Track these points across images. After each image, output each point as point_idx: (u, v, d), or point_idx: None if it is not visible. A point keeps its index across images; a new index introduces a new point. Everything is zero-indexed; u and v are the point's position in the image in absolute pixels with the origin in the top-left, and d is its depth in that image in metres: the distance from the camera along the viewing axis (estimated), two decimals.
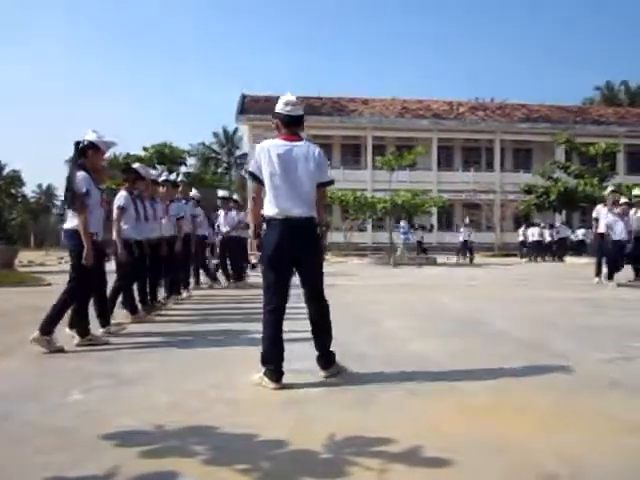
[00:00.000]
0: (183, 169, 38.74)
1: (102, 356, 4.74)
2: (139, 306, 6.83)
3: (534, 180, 33.40)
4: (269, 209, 3.88)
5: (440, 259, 24.18)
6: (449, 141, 39.47)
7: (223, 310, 7.69)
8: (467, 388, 3.72)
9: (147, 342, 5.33)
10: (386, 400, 3.48)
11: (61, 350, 4.83)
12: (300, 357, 4.48)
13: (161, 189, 8.18)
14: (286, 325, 3.93)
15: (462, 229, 25.12)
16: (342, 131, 37.67)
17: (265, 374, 3.82)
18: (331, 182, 4.05)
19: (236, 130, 57.69)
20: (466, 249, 24.35)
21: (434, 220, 36.65)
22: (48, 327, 4.85)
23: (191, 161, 51.68)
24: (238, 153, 60.04)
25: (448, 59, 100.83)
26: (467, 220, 26.41)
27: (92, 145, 5.14)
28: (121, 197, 6.50)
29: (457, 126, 38.33)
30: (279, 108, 3.99)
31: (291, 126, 3.98)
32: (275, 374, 3.79)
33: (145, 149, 36.96)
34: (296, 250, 3.86)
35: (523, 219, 38.09)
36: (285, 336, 3.91)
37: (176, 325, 6.36)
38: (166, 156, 35.90)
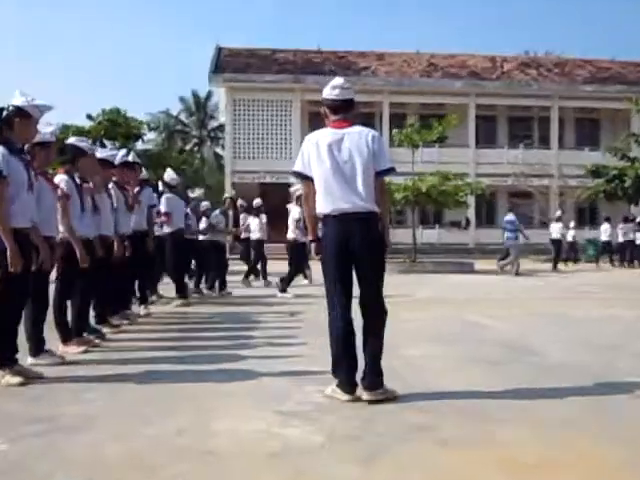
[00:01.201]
0: (140, 146, 38.87)
1: (33, 394, 4.77)
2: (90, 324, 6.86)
3: (603, 160, 33.29)
4: (323, 206, 4.49)
5: (483, 265, 24.22)
6: (491, 109, 39.53)
7: (193, 333, 7.77)
8: (511, 437, 3.78)
9: (93, 375, 5.37)
10: (406, 452, 3.51)
11: None
12: (294, 390, 4.53)
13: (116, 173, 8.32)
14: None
15: (552, 225, 24.79)
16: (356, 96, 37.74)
17: (337, 385, 4.48)
18: (392, 169, 4.55)
19: (210, 95, 57.70)
20: (570, 251, 24.48)
21: (471, 213, 36.70)
22: None
23: (150, 135, 51.76)
24: (213, 125, 60.06)
25: (488, 1, 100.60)
26: (559, 213, 25.98)
27: (20, 111, 5.06)
28: (61, 181, 6.44)
29: (501, 89, 38.38)
30: (326, 93, 4.63)
31: (340, 111, 4.57)
32: (347, 386, 4.43)
33: (90, 117, 36.79)
34: (354, 248, 4.41)
35: (588, 211, 38.08)
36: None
37: (130, 353, 6.41)
38: (119, 126, 35.79)
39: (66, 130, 31.84)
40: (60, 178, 6.47)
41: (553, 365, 5.83)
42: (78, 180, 6.71)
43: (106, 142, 32.77)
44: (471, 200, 30.82)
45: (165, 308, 10.22)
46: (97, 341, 6.86)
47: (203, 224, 13.12)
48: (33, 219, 5.22)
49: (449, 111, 34.19)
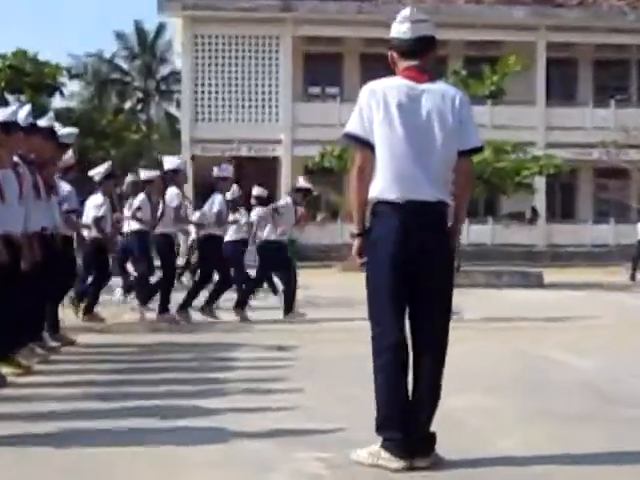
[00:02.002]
0: (58, 102, 38.86)
1: None
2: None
3: None
4: (383, 189, 4.58)
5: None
6: (568, 49, 39.53)
7: (137, 374, 7.76)
8: None
9: None
10: None
11: None
12: (282, 458, 4.52)
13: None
14: None
15: None
16: (362, 30, 37.77)
17: (384, 447, 4.51)
18: (480, 148, 4.85)
19: (160, 29, 57.78)
20: None
21: (540, 202, 36.68)
22: None
23: (73, 86, 51.75)
24: (164, 72, 60.13)
25: None
26: None
27: None
28: None
29: (584, 20, 38.37)
30: (395, 31, 4.76)
31: (414, 55, 4.69)
32: (400, 447, 4.49)
33: None
34: (420, 254, 4.52)
35: None
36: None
37: (44, 404, 6.36)
38: (27, 75, 35.78)
39: None
40: None
41: None
42: None
43: (8, 97, 32.68)
44: (540, 182, 30.86)
45: (96, 337, 10.20)
46: None
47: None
48: None
49: (508, 53, 34.21)
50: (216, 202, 12.99)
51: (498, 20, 37.60)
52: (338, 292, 14.37)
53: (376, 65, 38.42)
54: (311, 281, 16.02)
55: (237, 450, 5.00)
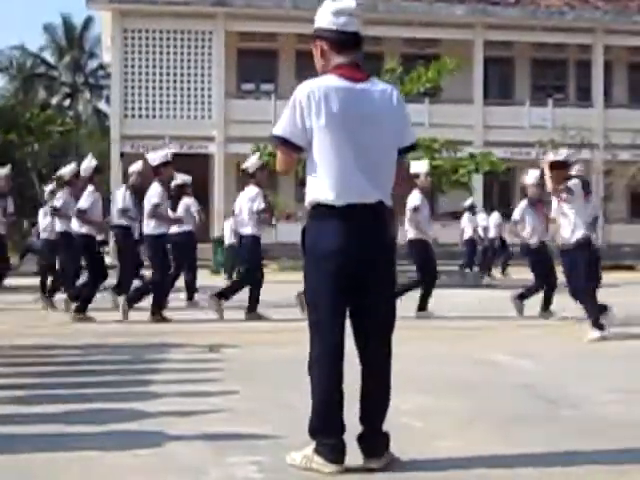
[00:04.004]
0: None
1: None
2: None
3: None
4: (322, 191, 4.56)
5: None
6: (506, 48, 40.06)
7: (59, 377, 7.72)
8: None
9: None
10: None
11: None
12: (212, 462, 4.50)
13: None
14: None
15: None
16: (297, 26, 37.78)
17: (317, 451, 4.54)
18: (414, 146, 4.89)
19: (88, 22, 57.29)
20: None
21: (477, 200, 36.95)
22: None
23: None
24: (92, 66, 59.63)
25: None
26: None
27: None
28: None
29: (522, 18, 38.90)
30: (325, 21, 4.65)
31: (348, 50, 4.64)
32: (334, 451, 4.52)
33: None
34: (362, 256, 4.54)
35: None
36: None
37: None
38: None
39: None
40: None
41: (603, 422, 5.89)
42: None
43: None
44: (477, 181, 31.14)
45: (28, 340, 10.09)
46: None
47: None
48: None
49: (445, 50, 34.60)
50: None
51: (436, 18, 37.96)
52: (274, 292, 14.33)
53: (312, 62, 38.52)
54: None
55: (169, 454, 4.97)
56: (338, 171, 4.53)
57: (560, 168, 10.65)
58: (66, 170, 14.36)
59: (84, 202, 12.69)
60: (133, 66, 36.49)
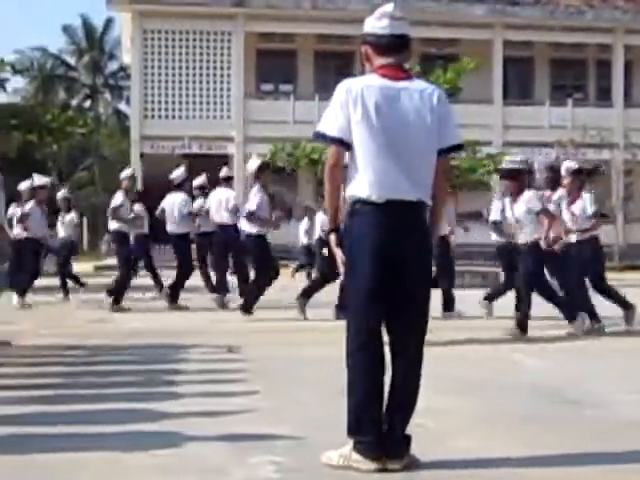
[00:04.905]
0: (1, 97, 38.46)
1: None
2: None
3: None
4: (359, 187, 4.63)
5: None
6: (526, 48, 39.86)
7: (79, 377, 7.74)
8: None
9: None
10: None
11: None
12: (233, 463, 4.51)
13: None
14: None
15: None
16: (316, 26, 37.82)
17: (355, 449, 4.56)
18: (460, 146, 4.95)
19: (109, 23, 57.41)
20: None
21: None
22: None
23: (17, 82, 51.25)
24: (112, 68, 59.79)
25: None
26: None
27: None
28: None
29: (541, 18, 38.74)
30: (369, 26, 4.80)
31: (391, 53, 4.74)
32: (373, 448, 4.54)
33: None
34: (396, 253, 4.58)
35: None
36: None
37: None
38: None
39: None
40: None
41: (619, 422, 5.88)
42: None
43: None
44: (496, 181, 30.94)
45: (41, 340, 10.13)
46: None
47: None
48: None
49: (464, 51, 34.50)
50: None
51: (455, 17, 37.78)
52: (292, 292, 14.32)
53: (330, 62, 38.80)
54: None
55: (189, 455, 4.99)
56: (376, 167, 4.60)
57: (512, 178, 10.53)
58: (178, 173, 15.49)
59: (252, 203, 12.60)
60: (153, 67, 36.52)
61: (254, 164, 13.01)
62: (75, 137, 39.92)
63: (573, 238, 11.00)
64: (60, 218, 17.43)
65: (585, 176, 11.20)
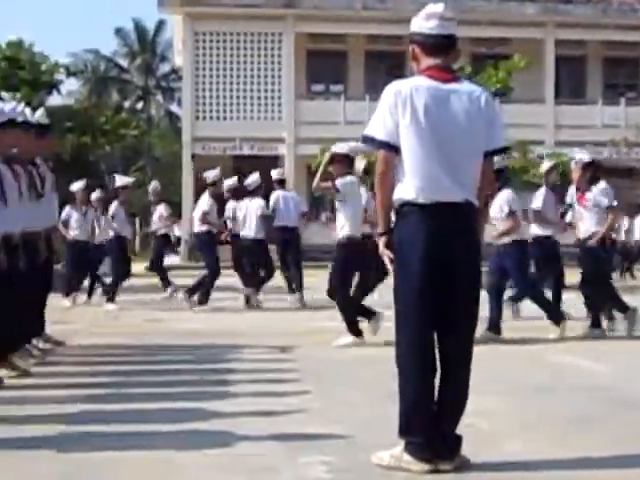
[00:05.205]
0: (55, 100, 38.80)
1: None
2: None
3: None
4: (406, 190, 4.63)
5: None
6: (578, 46, 39.50)
7: (135, 377, 7.81)
8: None
9: None
10: None
11: None
12: (284, 462, 4.52)
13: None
14: None
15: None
16: (366, 26, 37.76)
17: (407, 450, 4.55)
18: (507, 149, 5.06)
19: (160, 25, 57.80)
20: None
21: None
22: None
23: (71, 85, 51.79)
24: (164, 70, 60.19)
25: None
26: None
27: None
28: None
29: (594, 17, 38.38)
30: (418, 26, 4.78)
31: (439, 53, 4.73)
32: (424, 449, 4.52)
33: None
34: (445, 254, 4.59)
35: None
36: None
37: (41, 407, 6.40)
38: (22, 69, 35.57)
39: None
40: None
41: None
42: None
43: (4, 95, 32.56)
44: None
45: (92, 339, 10.24)
46: None
47: None
48: None
49: (516, 50, 34.18)
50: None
51: (506, 16, 37.58)
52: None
53: (380, 62, 38.74)
54: (314, 281, 15.99)
55: (241, 454, 5.02)
56: (423, 170, 4.60)
57: (341, 162, 10.09)
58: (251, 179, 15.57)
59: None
60: (204, 68, 36.72)
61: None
62: (128, 139, 40.13)
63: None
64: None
65: (597, 170, 10.88)
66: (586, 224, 10.58)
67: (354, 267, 10.08)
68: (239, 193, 15.85)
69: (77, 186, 16.09)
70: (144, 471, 4.69)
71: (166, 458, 4.93)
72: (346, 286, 9.95)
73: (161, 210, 16.92)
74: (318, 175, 10.22)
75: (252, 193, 15.25)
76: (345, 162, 9.98)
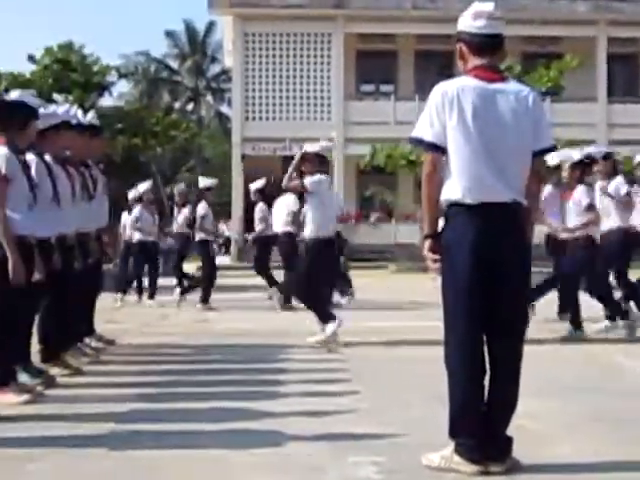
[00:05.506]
0: (106, 101, 39.20)
1: None
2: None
3: None
4: (453, 190, 4.64)
5: None
6: (631, 44, 39.08)
7: (184, 376, 7.86)
8: None
9: (37, 437, 5.42)
10: None
11: None
12: (332, 462, 4.53)
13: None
14: None
15: None
16: (416, 26, 37.65)
17: (457, 451, 4.55)
18: (553, 148, 4.97)
19: (211, 27, 58.10)
20: None
21: None
22: None
23: (122, 87, 52.23)
24: (214, 71, 60.47)
25: None
26: None
27: None
28: None
29: None
30: (465, 25, 4.77)
31: (486, 53, 4.73)
32: (474, 451, 4.51)
33: (33, 59, 36.78)
34: (493, 254, 4.58)
35: None
36: None
37: (92, 405, 6.48)
38: (73, 71, 35.85)
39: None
40: None
41: None
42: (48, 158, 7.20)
43: (57, 97, 32.80)
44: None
45: (141, 338, 10.32)
46: (42, 388, 6.95)
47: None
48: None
49: (567, 48, 33.95)
50: None
51: (557, 15, 37.26)
52: (390, 294, 14.35)
53: (430, 62, 38.61)
54: (363, 282, 16.04)
55: (288, 453, 5.04)
56: (470, 170, 4.59)
57: (311, 160, 10.20)
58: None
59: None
60: (254, 69, 36.84)
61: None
62: (178, 140, 40.41)
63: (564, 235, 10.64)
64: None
65: (586, 168, 10.72)
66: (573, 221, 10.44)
67: (321, 266, 10.15)
68: (265, 195, 16.07)
69: (144, 187, 16.25)
70: (193, 470, 4.73)
71: (215, 457, 4.96)
72: (311, 285, 10.05)
73: (186, 212, 16.85)
74: (289, 173, 10.33)
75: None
76: (315, 161, 10.16)
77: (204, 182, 16.03)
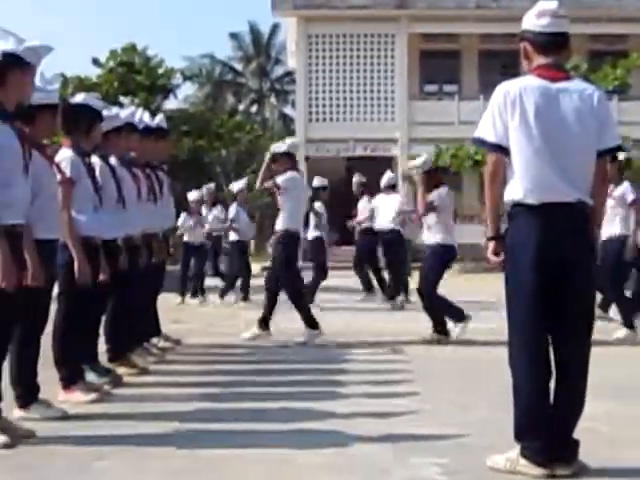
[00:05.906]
0: (171, 104, 39.52)
1: (19, 462, 4.90)
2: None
3: None
4: (520, 192, 4.61)
5: None
6: None
7: (248, 376, 7.90)
8: None
9: (106, 436, 5.51)
10: None
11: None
12: (395, 463, 4.51)
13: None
14: None
15: None
16: (480, 26, 37.41)
17: (523, 454, 4.52)
18: (619, 148, 4.93)
19: (275, 29, 58.27)
20: None
21: None
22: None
23: (187, 89, 52.57)
24: (278, 73, 60.65)
25: None
26: None
27: (12, 59, 5.27)
28: (63, 160, 6.65)
29: None
30: (529, 23, 4.75)
31: (550, 52, 4.69)
32: (541, 453, 4.48)
33: (97, 63, 37.21)
34: (557, 254, 4.54)
35: None
36: None
37: (157, 404, 6.56)
38: (137, 73, 36.10)
39: (64, 83, 32.42)
40: (63, 155, 6.71)
41: None
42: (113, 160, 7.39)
43: (123, 99, 33.08)
44: None
45: (206, 339, 10.40)
46: (109, 387, 7.06)
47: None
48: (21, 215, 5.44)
49: (634, 47, 33.47)
50: None
51: (624, 13, 36.71)
52: (454, 295, 14.20)
53: (495, 61, 38.32)
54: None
55: (353, 454, 5.05)
56: (533, 170, 4.56)
57: (280, 160, 10.35)
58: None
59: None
60: (317, 70, 36.87)
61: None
62: (242, 142, 40.60)
63: None
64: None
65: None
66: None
67: (296, 260, 10.62)
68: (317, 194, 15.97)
69: (238, 186, 16.44)
70: (258, 469, 4.76)
71: (280, 457, 4.99)
72: (295, 281, 10.39)
73: (215, 213, 16.75)
74: (260, 175, 10.51)
75: (392, 188, 15.74)
76: (284, 160, 10.39)
77: (319, 181, 16.18)
